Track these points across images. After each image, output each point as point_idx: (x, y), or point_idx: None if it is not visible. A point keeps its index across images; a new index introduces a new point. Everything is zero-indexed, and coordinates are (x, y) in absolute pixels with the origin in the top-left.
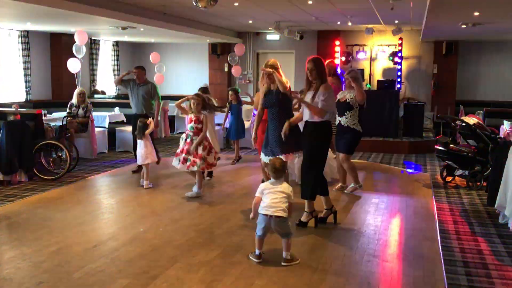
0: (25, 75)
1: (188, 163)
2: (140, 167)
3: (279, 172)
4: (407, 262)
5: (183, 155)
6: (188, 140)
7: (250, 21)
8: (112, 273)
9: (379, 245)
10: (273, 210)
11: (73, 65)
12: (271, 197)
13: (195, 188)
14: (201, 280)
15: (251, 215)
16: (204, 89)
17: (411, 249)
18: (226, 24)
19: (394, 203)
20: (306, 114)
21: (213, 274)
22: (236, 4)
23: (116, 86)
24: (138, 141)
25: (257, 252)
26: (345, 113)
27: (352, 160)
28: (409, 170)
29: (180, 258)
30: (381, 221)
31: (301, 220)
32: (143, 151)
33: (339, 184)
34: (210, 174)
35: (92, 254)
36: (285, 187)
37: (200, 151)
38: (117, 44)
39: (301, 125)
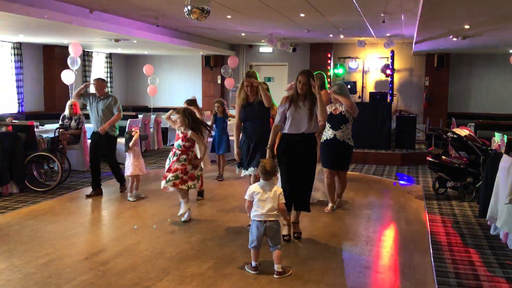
0: (18, 86)
1: (177, 181)
2: (98, 190)
3: (269, 174)
4: (399, 273)
5: (170, 175)
6: (175, 158)
7: (243, 34)
8: (102, 285)
9: (371, 256)
10: (267, 215)
11: (67, 77)
12: (264, 206)
13: (182, 208)
14: None
15: (248, 215)
16: (190, 101)
17: (403, 260)
18: (219, 37)
19: (387, 214)
20: (302, 126)
21: (205, 286)
22: (229, 16)
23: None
24: (126, 153)
25: (253, 263)
26: (341, 127)
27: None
28: (401, 182)
29: (172, 270)
30: (373, 232)
31: (284, 235)
32: (129, 162)
33: (330, 205)
34: (201, 194)
35: (82, 266)
36: (275, 191)
37: (189, 168)
38: (110, 56)
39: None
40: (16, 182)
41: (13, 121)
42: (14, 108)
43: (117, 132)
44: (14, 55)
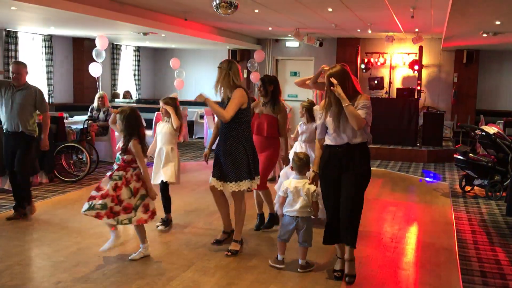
0: (48, 78)
1: (102, 211)
2: (20, 210)
3: (304, 167)
4: (424, 271)
5: (98, 201)
6: (108, 174)
7: (270, 28)
8: (129, 274)
9: (396, 253)
10: (300, 211)
11: (95, 70)
12: (297, 203)
13: (110, 243)
14: (217, 283)
15: (279, 212)
16: (167, 100)
17: (428, 257)
18: (246, 31)
19: (412, 211)
20: (336, 137)
21: (229, 278)
22: (256, 10)
23: None
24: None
25: (279, 257)
26: None
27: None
28: (427, 179)
29: (196, 261)
30: (398, 229)
31: (335, 270)
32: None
33: None
34: (165, 223)
35: (110, 255)
36: (308, 189)
37: (125, 195)
38: (138, 49)
39: None
40: (45, 172)
41: None
42: None
43: (37, 131)
44: (45, 47)
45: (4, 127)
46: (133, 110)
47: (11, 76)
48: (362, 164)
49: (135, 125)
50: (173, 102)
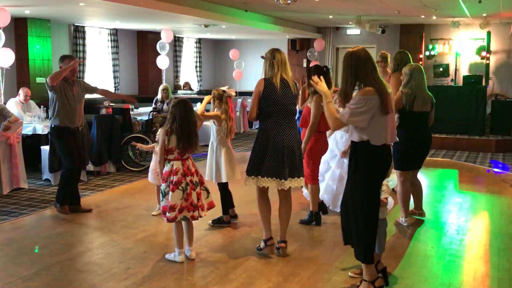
0: (114, 71)
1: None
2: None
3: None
4: (491, 264)
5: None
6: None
7: (331, 16)
8: (194, 261)
9: (462, 245)
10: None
11: (162, 62)
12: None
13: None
14: (279, 272)
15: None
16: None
17: (495, 251)
18: (306, 20)
19: (479, 203)
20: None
21: (291, 267)
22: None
23: None
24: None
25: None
26: None
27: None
28: (495, 170)
29: (257, 251)
30: (465, 221)
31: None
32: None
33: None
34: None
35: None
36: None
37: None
38: (199, 41)
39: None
40: (113, 162)
41: (110, 104)
42: None
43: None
44: (111, 41)
45: (67, 124)
46: (181, 101)
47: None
48: (357, 167)
49: (177, 117)
50: (217, 95)
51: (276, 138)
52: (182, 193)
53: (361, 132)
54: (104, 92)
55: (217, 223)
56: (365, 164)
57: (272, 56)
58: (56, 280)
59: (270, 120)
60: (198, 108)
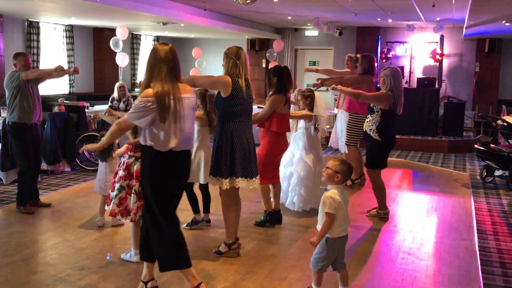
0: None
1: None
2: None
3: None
4: (443, 261)
5: None
6: None
7: (289, 17)
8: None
9: (415, 243)
10: (347, 225)
11: (121, 60)
12: (346, 213)
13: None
14: (237, 271)
15: (316, 240)
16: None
17: (447, 248)
18: (265, 20)
19: (432, 202)
20: None
21: (248, 266)
22: (275, 0)
23: None
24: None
25: None
26: (367, 116)
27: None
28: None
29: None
30: (418, 219)
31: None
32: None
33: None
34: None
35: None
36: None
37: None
38: (157, 39)
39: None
40: (67, 161)
41: (65, 101)
42: (65, 89)
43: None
44: (66, 37)
45: (24, 121)
46: None
47: (17, 67)
48: (143, 174)
49: None
50: (200, 95)
51: (241, 138)
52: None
53: (145, 134)
54: (40, 72)
55: (194, 225)
56: (150, 171)
57: (237, 56)
58: (8, 281)
59: (236, 120)
60: None
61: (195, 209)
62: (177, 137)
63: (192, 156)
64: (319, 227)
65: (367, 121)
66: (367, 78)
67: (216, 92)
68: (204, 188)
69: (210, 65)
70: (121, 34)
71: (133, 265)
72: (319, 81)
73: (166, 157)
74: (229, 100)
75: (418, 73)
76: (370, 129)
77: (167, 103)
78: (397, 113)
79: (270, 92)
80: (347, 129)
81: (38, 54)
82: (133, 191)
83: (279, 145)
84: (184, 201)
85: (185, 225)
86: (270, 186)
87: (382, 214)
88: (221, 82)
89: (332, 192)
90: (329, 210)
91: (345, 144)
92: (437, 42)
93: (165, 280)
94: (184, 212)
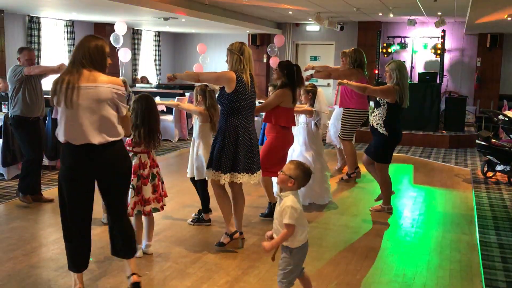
0: None
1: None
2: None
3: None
4: (444, 256)
5: None
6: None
7: (290, 12)
8: (152, 256)
9: (416, 238)
10: (307, 229)
11: (124, 55)
12: (304, 217)
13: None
14: (238, 266)
15: (268, 248)
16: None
17: (448, 243)
18: (266, 15)
19: (433, 197)
20: None
21: (250, 260)
22: None
23: None
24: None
25: None
26: (374, 110)
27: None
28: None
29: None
30: (419, 214)
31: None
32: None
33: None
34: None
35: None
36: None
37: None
38: (158, 34)
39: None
40: None
41: None
42: None
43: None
44: (67, 32)
45: (27, 115)
46: (142, 97)
47: (21, 62)
48: None
49: (140, 112)
50: (200, 91)
51: (244, 134)
52: (151, 186)
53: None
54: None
55: (197, 223)
56: (61, 162)
57: (241, 52)
58: (9, 276)
59: (240, 116)
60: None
61: (206, 209)
62: (68, 128)
63: (194, 153)
64: (275, 236)
65: (374, 115)
66: (356, 71)
67: (217, 87)
68: (203, 185)
69: (210, 60)
70: (120, 29)
71: (136, 260)
72: (310, 67)
73: (66, 149)
74: (233, 95)
75: (420, 68)
76: (377, 124)
77: (68, 91)
78: (403, 106)
79: (278, 83)
80: (341, 124)
81: (39, 50)
82: (131, 186)
83: (286, 139)
84: (187, 198)
85: (189, 221)
86: (273, 179)
87: (386, 209)
88: (225, 78)
89: (291, 201)
90: (290, 221)
91: (340, 139)
92: (439, 37)
93: (167, 276)
94: (187, 208)
